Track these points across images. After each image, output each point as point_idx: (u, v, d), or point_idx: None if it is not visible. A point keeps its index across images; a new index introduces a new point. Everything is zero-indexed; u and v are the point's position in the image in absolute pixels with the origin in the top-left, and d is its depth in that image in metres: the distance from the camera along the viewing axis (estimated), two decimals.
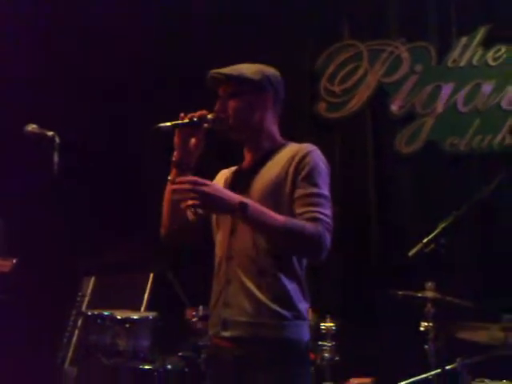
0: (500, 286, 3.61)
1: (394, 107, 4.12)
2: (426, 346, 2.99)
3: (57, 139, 2.31)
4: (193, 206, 1.76)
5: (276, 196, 1.87)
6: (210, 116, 1.96)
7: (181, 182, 1.77)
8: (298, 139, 2.04)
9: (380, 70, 4.22)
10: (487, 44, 4.02)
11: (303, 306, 1.88)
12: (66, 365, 3.66)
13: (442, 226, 2.93)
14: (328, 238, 1.81)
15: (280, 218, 1.80)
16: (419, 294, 3.04)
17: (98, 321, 3.07)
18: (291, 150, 1.94)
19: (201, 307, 3.16)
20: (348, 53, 4.27)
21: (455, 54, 4.08)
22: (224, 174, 2.10)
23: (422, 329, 3.01)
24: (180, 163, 1.98)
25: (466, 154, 4.03)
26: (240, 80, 1.96)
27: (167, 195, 2.02)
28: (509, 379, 2.92)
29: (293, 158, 1.90)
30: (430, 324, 3.00)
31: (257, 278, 1.85)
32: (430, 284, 3.05)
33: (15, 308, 3.49)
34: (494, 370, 2.93)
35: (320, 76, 4.26)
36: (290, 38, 4.23)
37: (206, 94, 2.07)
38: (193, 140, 1.99)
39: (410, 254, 2.90)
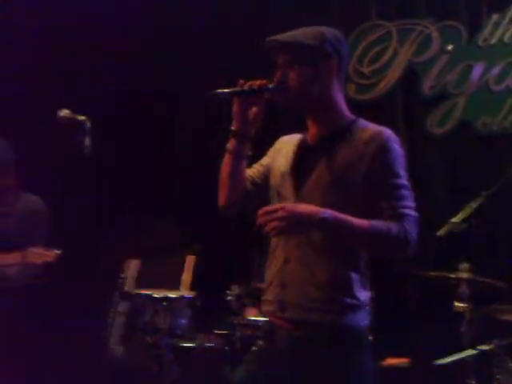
0: None
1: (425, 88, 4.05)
2: (462, 328, 3.00)
3: (88, 123, 2.35)
4: (277, 231, 1.71)
5: (348, 182, 1.78)
6: (270, 85, 1.86)
7: (259, 216, 1.70)
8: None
9: (410, 49, 4.16)
10: None
11: (363, 294, 1.82)
12: (112, 344, 3.77)
13: (473, 206, 2.91)
14: (414, 233, 1.75)
15: (363, 223, 1.72)
16: (453, 275, 3.04)
17: (139, 300, 3.14)
18: (367, 132, 1.82)
19: (235, 286, 3.21)
20: (376, 33, 4.22)
21: (486, 32, 3.99)
22: (287, 144, 1.98)
23: (456, 310, 3.02)
24: (239, 133, 1.91)
25: (499, 134, 3.96)
26: (299, 47, 1.83)
27: (225, 166, 1.96)
28: None
29: (370, 142, 1.79)
30: (465, 305, 3.00)
31: (316, 261, 1.79)
32: (464, 265, 3.04)
33: (61, 292, 3.60)
34: None
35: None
36: (316, 20, 4.19)
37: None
38: (253, 109, 1.90)
39: (439, 233, 2.88)
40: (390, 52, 4.21)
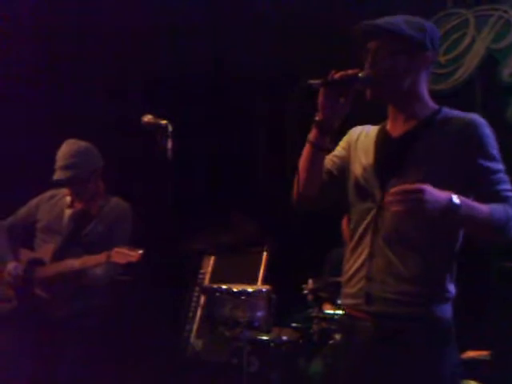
0: None
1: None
2: None
3: (170, 127, 2.45)
4: (408, 212, 1.63)
5: (448, 172, 1.75)
6: (361, 74, 1.80)
7: (393, 194, 1.63)
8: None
9: (488, 36, 4.03)
10: None
11: (452, 287, 1.82)
12: (192, 338, 3.88)
13: None
14: None
15: (485, 208, 1.69)
16: None
17: (217, 294, 3.22)
18: (457, 120, 1.79)
19: (310, 280, 3.24)
20: (453, 21, 4.11)
21: None
22: (364, 136, 1.94)
23: None
24: (323, 124, 1.85)
25: None
26: (400, 36, 1.78)
27: (304, 158, 1.89)
28: None
29: (463, 130, 1.76)
30: None
31: (405, 254, 1.77)
32: None
33: (143, 288, 3.74)
34: None
35: None
36: (390, 10, 4.14)
37: None
38: (341, 100, 1.83)
39: None
40: (467, 40, 4.09)
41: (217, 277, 3.96)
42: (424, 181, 1.67)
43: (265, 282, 3.78)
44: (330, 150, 1.94)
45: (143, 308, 3.82)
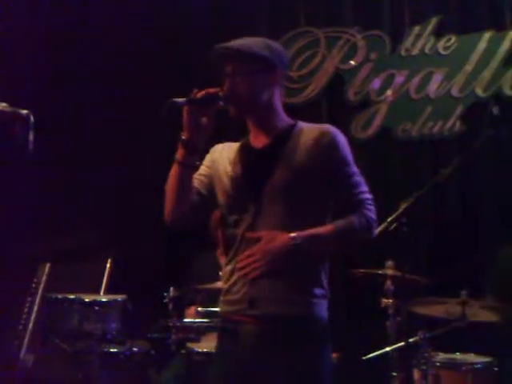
0: (456, 264, 3.78)
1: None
2: (387, 322, 3.13)
3: (31, 118, 2.27)
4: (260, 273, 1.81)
5: (307, 181, 1.86)
6: (221, 93, 1.88)
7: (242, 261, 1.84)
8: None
9: (337, 56, 4.32)
10: (438, 33, 4.16)
11: (327, 289, 1.89)
12: (23, 352, 3.61)
13: (404, 206, 3.06)
14: (374, 215, 1.88)
15: (329, 229, 1.85)
16: (380, 272, 3.17)
17: (65, 305, 3.03)
18: (312, 131, 1.91)
19: (171, 288, 3.17)
20: (305, 39, 4.34)
21: (408, 42, 4.21)
22: (226, 151, 2.01)
23: (383, 306, 3.15)
24: (189, 143, 1.89)
25: (418, 140, 4.18)
26: (253, 57, 1.89)
27: (173, 177, 1.93)
28: (469, 351, 3.09)
29: (318, 140, 1.88)
30: (390, 300, 3.14)
31: (284, 258, 1.83)
32: (389, 262, 3.18)
33: None
34: (453, 342, 3.09)
35: None
36: (246, 26, 4.27)
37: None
38: (203, 119, 1.89)
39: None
40: (318, 58, 4.34)
41: (52, 286, 3.72)
42: (292, 192, 1.82)
43: (110, 291, 3.64)
44: (197, 167, 1.97)
45: None
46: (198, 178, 2.00)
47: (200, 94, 1.86)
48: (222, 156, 2.00)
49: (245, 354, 1.83)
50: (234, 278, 1.89)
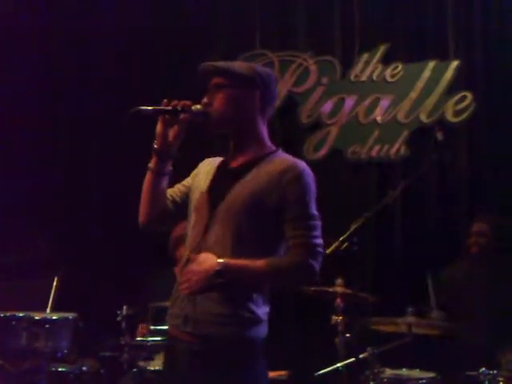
0: (403, 282, 3.91)
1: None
2: (337, 339, 3.21)
3: None
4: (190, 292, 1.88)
5: (259, 208, 1.87)
6: (194, 107, 1.93)
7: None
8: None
9: (290, 80, 4.43)
10: (386, 61, 4.33)
11: (262, 310, 1.90)
12: None
13: (355, 226, 3.17)
14: (316, 263, 1.84)
15: (260, 264, 1.83)
16: (330, 290, 3.25)
17: (13, 323, 2.98)
18: (282, 163, 1.91)
19: (125, 307, 3.17)
20: (260, 61, 4.41)
21: (357, 69, 4.36)
22: (209, 165, 2.06)
23: (333, 322, 3.23)
24: (161, 151, 1.97)
25: (366, 162, 4.32)
26: (229, 73, 1.94)
27: (146, 183, 2.01)
28: (416, 367, 3.20)
29: (283, 173, 1.87)
30: (340, 317, 3.23)
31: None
32: (339, 280, 3.27)
33: None
34: (401, 357, 3.20)
35: None
36: (200, 47, 4.35)
37: None
38: (174, 129, 1.96)
39: (327, 251, 3.09)
40: None
41: None
42: (241, 214, 1.85)
43: (57, 309, 3.59)
44: (170, 174, 2.03)
45: None
46: (178, 187, 2.08)
47: (169, 105, 1.92)
48: (206, 170, 2.05)
49: (179, 372, 1.88)
50: (178, 293, 1.94)
